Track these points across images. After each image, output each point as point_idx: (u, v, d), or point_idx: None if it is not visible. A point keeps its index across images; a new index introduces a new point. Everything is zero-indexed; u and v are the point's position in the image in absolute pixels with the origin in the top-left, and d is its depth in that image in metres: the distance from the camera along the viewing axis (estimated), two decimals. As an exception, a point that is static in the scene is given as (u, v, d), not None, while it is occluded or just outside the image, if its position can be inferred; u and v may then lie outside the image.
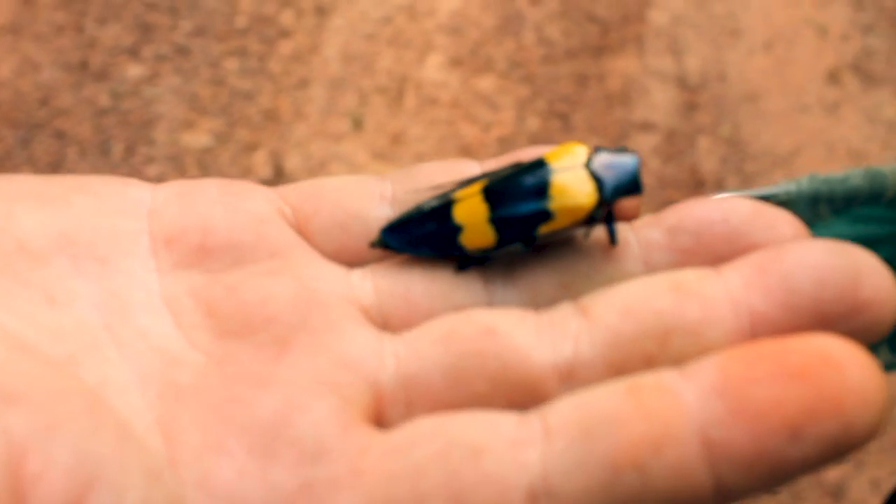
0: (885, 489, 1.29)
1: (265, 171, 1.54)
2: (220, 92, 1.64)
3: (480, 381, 0.21)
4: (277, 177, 1.53)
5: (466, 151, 1.58)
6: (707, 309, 0.21)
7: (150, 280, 0.23)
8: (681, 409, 0.18)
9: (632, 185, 0.23)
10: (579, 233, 0.25)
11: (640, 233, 0.24)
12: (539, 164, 0.24)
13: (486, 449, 0.19)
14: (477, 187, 0.25)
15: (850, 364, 0.18)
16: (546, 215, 0.24)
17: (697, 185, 1.56)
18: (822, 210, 0.61)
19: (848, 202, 0.60)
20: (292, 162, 1.55)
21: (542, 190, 0.24)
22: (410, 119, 1.61)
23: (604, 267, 0.24)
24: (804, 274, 0.21)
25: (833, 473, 1.30)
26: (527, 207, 0.24)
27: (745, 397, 0.18)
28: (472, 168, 0.26)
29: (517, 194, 0.24)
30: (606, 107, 1.65)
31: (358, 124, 1.60)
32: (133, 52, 1.69)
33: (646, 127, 1.63)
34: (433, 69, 1.68)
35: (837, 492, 1.29)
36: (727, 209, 0.23)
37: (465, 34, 1.73)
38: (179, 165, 1.54)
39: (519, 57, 1.71)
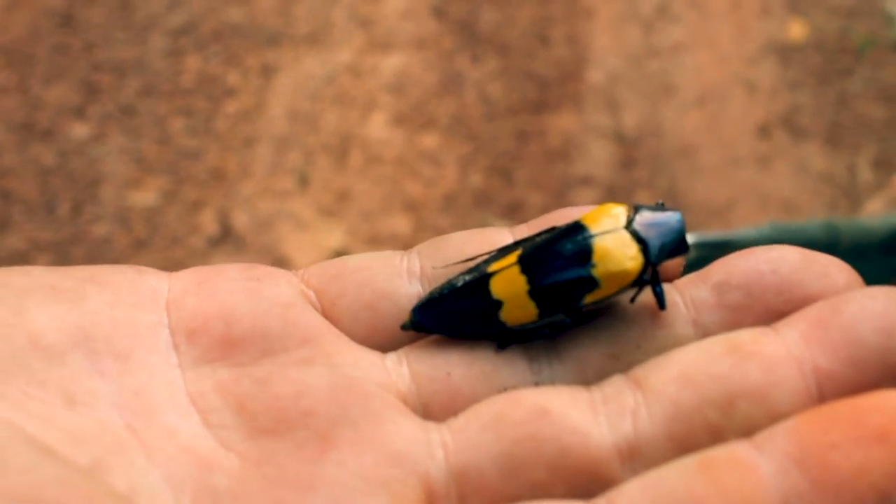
0: None
1: (212, 228, 1.55)
2: (167, 151, 1.65)
3: (538, 468, 0.19)
4: (225, 234, 1.55)
5: (411, 208, 1.60)
6: (770, 370, 0.20)
7: (173, 376, 0.22)
8: (759, 484, 0.17)
9: (678, 245, 0.22)
10: (625, 298, 0.23)
11: (686, 293, 0.22)
12: (577, 228, 0.23)
13: None
14: (513, 257, 0.23)
15: None
16: (590, 283, 0.22)
17: (637, 238, 1.59)
18: None
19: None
20: (240, 220, 1.57)
21: (583, 256, 0.22)
22: (356, 176, 1.64)
23: (653, 333, 0.22)
24: (867, 325, 0.19)
25: None
26: (569, 276, 0.22)
27: (826, 466, 0.17)
28: (503, 236, 0.24)
29: (557, 262, 0.22)
30: (547, 162, 1.69)
31: (304, 182, 1.62)
32: (79, 112, 1.69)
33: (586, 181, 1.67)
34: (377, 127, 1.71)
35: None
36: (775, 259, 0.22)
37: (407, 93, 1.77)
38: (126, 224, 1.55)
39: (461, 114, 1.75)
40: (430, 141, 1.70)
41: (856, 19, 1.97)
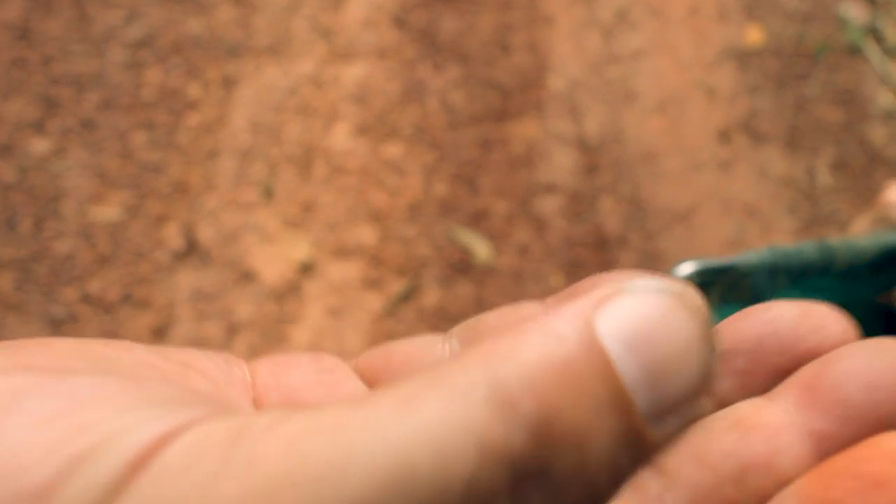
0: None
1: (177, 242, 1.54)
2: (129, 165, 1.64)
3: None
4: (190, 248, 1.54)
5: (377, 217, 1.60)
6: (772, 440, 0.21)
7: None
8: None
9: None
10: None
11: None
12: None
13: None
14: None
15: None
16: None
17: (603, 244, 1.61)
18: (780, 280, 0.64)
19: (803, 273, 0.63)
20: (205, 233, 1.56)
21: None
22: (320, 187, 1.63)
23: None
24: (852, 384, 0.20)
25: None
26: None
27: None
28: (535, 312, 0.24)
29: None
30: (511, 170, 1.70)
31: (268, 194, 1.62)
32: (38, 127, 1.68)
33: (550, 189, 1.67)
34: (341, 137, 1.71)
35: None
36: (773, 319, 0.22)
37: (370, 102, 1.77)
38: (90, 240, 1.54)
39: (424, 123, 1.75)
40: (393, 150, 1.70)
41: (811, 24, 2.00)
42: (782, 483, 0.21)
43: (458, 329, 0.24)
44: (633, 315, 0.17)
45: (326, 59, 1.82)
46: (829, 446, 0.21)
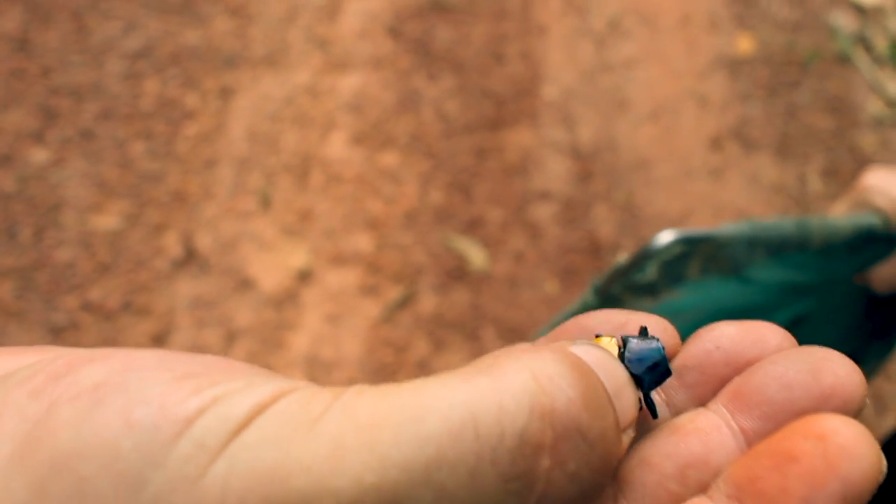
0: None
1: (176, 251, 1.56)
2: (128, 174, 1.65)
3: None
4: (189, 257, 1.55)
5: (373, 225, 1.62)
6: (706, 440, 0.25)
7: None
8: None
9: (664, 373, 0.26)
10: None
11: None
12: None
13: None
14: None
15: (828, 430, 0.21)
16: None
17: (596, 250, 1.62)
18: (758, 252, 0.66)
19: (780, 247, 0.65)
20: (203, 241, 1.57)
21: None
22: (317, 195, 1.65)
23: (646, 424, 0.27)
24: (773, 385, 0.24)
25: None
26: None
27: (758, 493, 0.22)
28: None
29: None
30: (506, 178, 1.72)
31: (266, 202, 1.63)
32: (37, 137, 1.69)
33: (544, 196, 1.69)
34: (337, 147, 1.73)
35: None
36: (717, 337, 0.26)
37: (366, 112, 1.79)
38: (90, 248, 1.55)
39: (419, 132, 1.77)
40: (389, 159, 1.72)
41: (801, 33, 2.02)
42: (718, 474, 0.24)
43: None
44: (591, 352, 0.23)
45: (322, 69, 1.84)
46: (755, 441, 0.24)
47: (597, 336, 0.26)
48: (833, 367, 0.24)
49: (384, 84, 1.83)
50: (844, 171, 1.79)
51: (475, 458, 0.19)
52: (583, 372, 0.21)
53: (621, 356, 0.26)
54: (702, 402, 0.26)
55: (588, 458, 0.21)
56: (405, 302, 1.53)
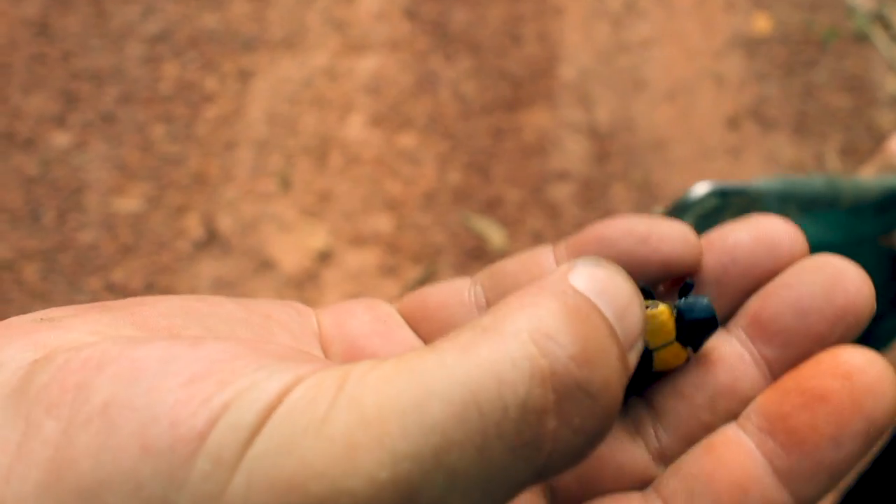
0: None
1: (198, 232, 1.57)
2: (149, 157, 1.67)
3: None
4: (211, 238, 1.56)
5: (392, 206, 1.63)
6: (731, 370, 0.26)
7: None
8: (748, 454, 0.24)
9: (713, 329, 0.27)
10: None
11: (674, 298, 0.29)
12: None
13: None
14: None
15: (854, 369, 0.23)
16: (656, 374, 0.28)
17: (614, 230, 1.63)
18: (790, 208, 0.67)
19: (811, 203, 0.66)
20: (224, 223, 1.59)
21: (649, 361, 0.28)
22: (336, 177, 1.66)
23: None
24: (788, 313, 0.26)
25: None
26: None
27: (788, 430, 0.23)
28: (547, 256, 0.29)
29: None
30: (523, 158, 1.72)
31: (286, 184, 1.64)
32: (59, 121, 1.71)
33: (562, 176, 1.70)
34: (355, 128, 1.74)
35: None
36: (733, 248, 0.27)
37: (384, 93, 1.79)
38: (112, 231, 1.57)
39: (437, 113, 1.77)
40: (407, 140, 1.73)
41: (818, 11, 2.01)
42: (745, 403, 0.26)
43: (481, 275, 0.29)
44: (593, 275, 0.23)
45: (340, 51, 1.85)
46: (777, 369, 0.26)
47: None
48: (844, 284, 0.25)
49: (402, 66, 1.84)
50: (862, 149, 1.79)
51: (481, 435, 0.19)
52: (582, 318, 0.21)
53: (676, 319, 0.27)
54: (720, 314, 0.27)
55: (592, 409, 0.21)
56: (425, 282, 1.54)
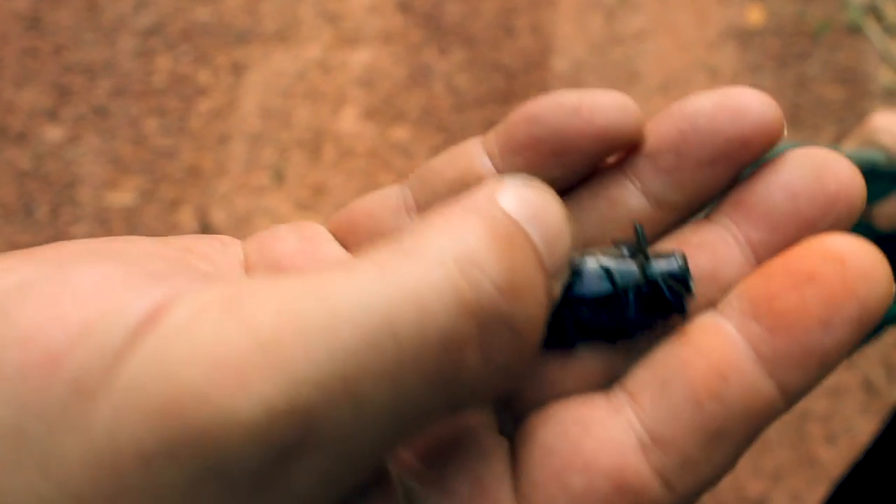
0: (806, 501, 1.36)
1: (191, 226, 1.57)
2: (142, 150, 1.66)
3: None
4: (204, 231, 1.56)
5: (386, 199, 1.63)
6: (713, 254, 0.24)
7: None
8: (729, 340, 0.21)
9: (686, 289, 0.24)
10: None
11: (628, 170, 0.25)
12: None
13: (592, 421, 0.22)
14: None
15: (847, 253, 0.21)
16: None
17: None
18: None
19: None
20: (218, 216, 1.58)
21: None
22: (330, 170, 1.66)
23: (612, 215, 0.25)
24: (777, 195, 0.23)
25: (754, 487, 1.37)
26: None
27: (774, 312, 0.21)
28: (476, 149, 0.26)
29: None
30: (517, 151, 1.72)
31: (279, 177, 1.64)
32: (51, 115, 1.70)
33: (556, 169, 1.70)
34: (349, 121, 1.74)
35: (755, 505, 1.36)
36: (693, 114, 0.24)
37: (377, 86, 1.79)
38: (106, 224, 1.56)
39: (430, 106, 1.77)
40: (401, 133, 1.73)
41: (812, 3, 2.01)
42: (727, 290, 0.23)
43: (411, 177, 0.27)
44: (524, 198, 0.21)
45: (333, 44, 1.85)
46: (763, 254, 0.23)
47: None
48: (835, 172, 0.23)
49: (395, 58, 1.84)
50: (855, 141, 1.79)
51: (397, 365, 0.18)
52: (512, 247, 0.20)
53: (649, 284, 0.24)
54: (681, 188, 0.25)
55: (515, 345, 0.19)
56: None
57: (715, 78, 1.87)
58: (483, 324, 0.19)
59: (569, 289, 0.24)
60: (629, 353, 0.24)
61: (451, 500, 0.21)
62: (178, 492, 0.17)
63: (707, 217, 0.25)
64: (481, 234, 0.19)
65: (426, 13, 1.92)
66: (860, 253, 0.21)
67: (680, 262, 0.24)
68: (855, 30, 1.98)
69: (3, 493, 0.17)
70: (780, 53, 1.93)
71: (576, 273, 0.24)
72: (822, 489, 1.31)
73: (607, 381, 0.23)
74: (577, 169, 0.25)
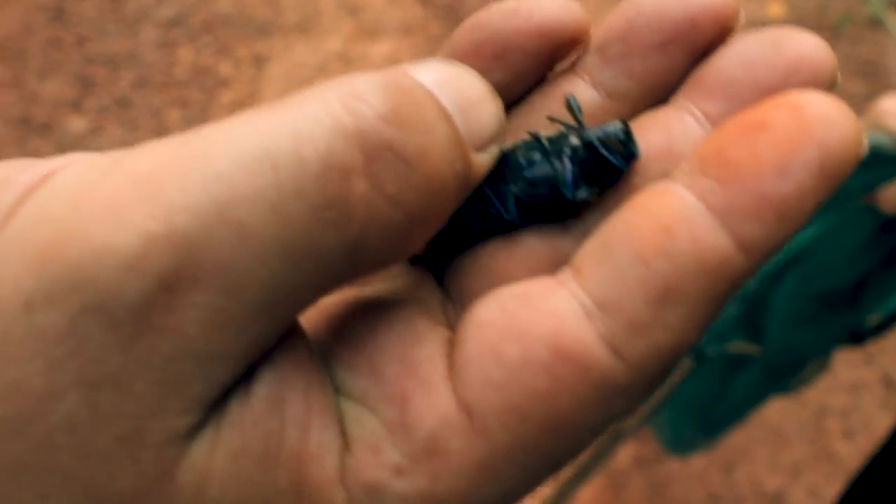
0: (823, 496, 1.36)
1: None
2: (164, 142, 1.68)
3: None
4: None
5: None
6: (667, 131, 0.23)
7: None
8: (676, 197, 0.19)
9: (629, 154, 0.23)
10: None
11: (578, 65, 0.25)
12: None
13: (532, 293, 0.20)
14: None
15: (805, 100, 0.19)
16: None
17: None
18: None
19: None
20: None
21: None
22: (351, 162, 1.67)
23: (562, 111, 0.25)
24: (733, 65, 0.22)
25: (772, 482, 1.38)
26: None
27: (725, 163, 0.19)
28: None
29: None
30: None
31: (300, 169, 1.65)
32: (75, 106, 1.72)
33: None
34: (370, 113, 1.74)
35: (777, 500, 1.36)
36: (637, 4, 0.24)
37: (398, 78, 1.80)
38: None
39: (451, 99, 1.78)
40: (421, 126, 1.73)
41: (833, -4, 2.01)
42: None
43: None
44: (438, 70, 0.21)
45: (354, 36, 1.85)
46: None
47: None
48: (796, 41, 0.22)
49: (415, 50, 1.84)
50: (876, 135, 1.79)
51: (276, 190, 0.17)
52: (400, 88, 0.19)
53: (589, 152, 0.23)
54: (632, 76, 0.24)
55: (408, 177, 0.19)
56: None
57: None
58: (367, 151, 0.18)
59: (504, 165, 0.24)
60: (581, 239, 0.23)
61: (377, 381, 0.20)
62: (60, 335, 0.17)
63: (636, 80, 0.24)
64: (371, 79, 0.19)
65: (446, 5, 1.93)
66: (818, 99, 0.19)
67: (618, 124, 0.23)
68: (876, 23, 1.97)
69: None
70: (800, 47, 1.92)
71: (511, 151, 0.24)
72: (839, 484, 1.31)
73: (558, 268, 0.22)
74: (524, 71, 0.25)
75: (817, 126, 0.19)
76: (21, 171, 0.18)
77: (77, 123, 1.69)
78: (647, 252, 0.19)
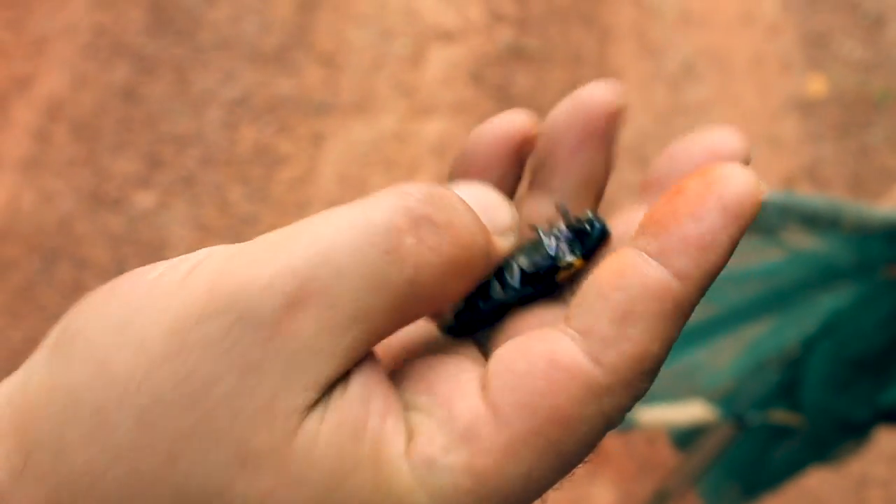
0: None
1: (273, 288, 1.65)
2: (226, 217, 1.76)
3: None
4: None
5: (456, 264, 1.69)
6: (628, 222, 0.32)
7: None
8: (625, 253, 0.26)
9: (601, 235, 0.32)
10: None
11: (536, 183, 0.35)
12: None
13: (535, 334, 0.27)
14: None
15: (713, 169, 0.26)
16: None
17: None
18: (791, 218, 0.70)
19: (812, 220, 0.70)
20: (297, 279, 1.66)
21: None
22: (403, 235, 1.73)
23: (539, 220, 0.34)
24: (660, 168, 0.32)
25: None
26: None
27: (656, 222, 0.26)
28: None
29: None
30: (583, 218, 1.77)
31: (356, 242, 1.72)
32: (144, 182, 1.81)
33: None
34: (422, 188, 1.81)
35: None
36: (552, 117, 0.35)
37: (449, 155, 1.86)
38: (193, 286, 1.65)
39: (500, 174, 1.83)
40: (471, 200, 1.79)
41: (873, 73, 2.05)
42: None
43: None
44: (464, 185, 0.31)
45: (408, 115, 1.93)
46: None
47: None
48: (713, 133, 0.31)
49: (467, 128, 1.91)
50: (916, 209, 1.81)
51: (358, 242, 0.25)
52: (434, 187, 0.27)
53: (576, 236, 0.32)
54: (565, 179, 0.34)
55: (441, 236, 0.26)
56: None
57: (778, 148, 1.91)
58: (412, 219, 0.26)
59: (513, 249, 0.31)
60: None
61: (432, 395, 0.27)
62: (221, 338, 0.24)
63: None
64: (417, 184, 0.27)
65: (496, 84, 2.00)
66: (725, 168, 0.26)
67: (590, 214, 0.32)
68: (917, 100, 2.01)
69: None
70: (841, 123, 1.96)
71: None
72: None
73: None
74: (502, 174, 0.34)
75: (718, 182, 0.26)
76: (183, 260, 0.26)
77: (145, 199, 1.78)
78: (607, 290, 0.26)
